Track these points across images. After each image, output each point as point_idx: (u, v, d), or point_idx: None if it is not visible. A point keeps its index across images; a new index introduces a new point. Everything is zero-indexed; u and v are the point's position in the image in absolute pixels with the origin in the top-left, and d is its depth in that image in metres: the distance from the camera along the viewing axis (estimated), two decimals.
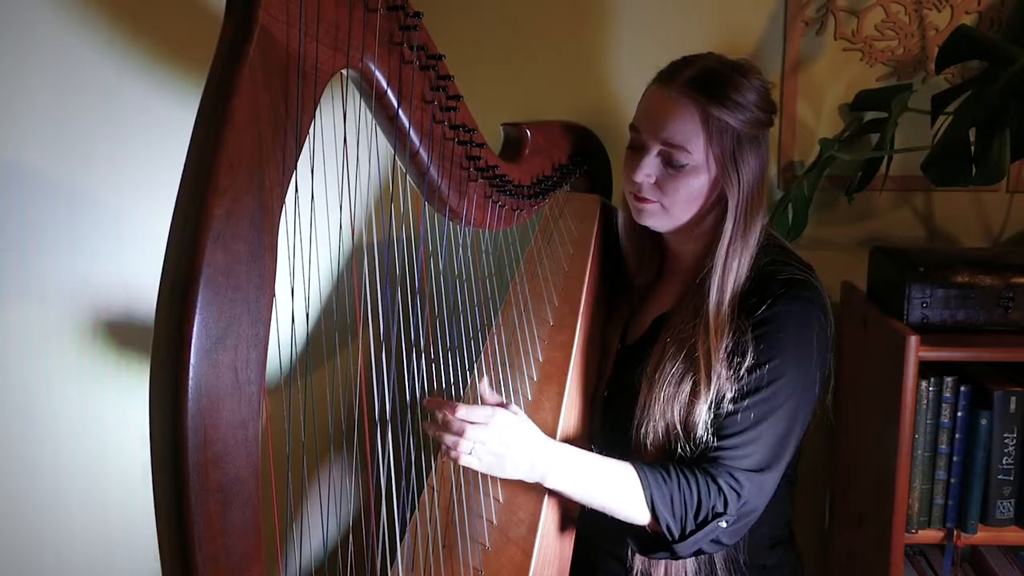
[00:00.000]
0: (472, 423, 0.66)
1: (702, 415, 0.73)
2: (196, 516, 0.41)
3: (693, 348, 0.75)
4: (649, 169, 0.78)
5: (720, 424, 0.73)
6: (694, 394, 0.74)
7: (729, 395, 0.73)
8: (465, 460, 0.67)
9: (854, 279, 1.24)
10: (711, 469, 0.72)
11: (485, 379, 0.71)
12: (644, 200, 0.80)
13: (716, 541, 0.72)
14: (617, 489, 0.71)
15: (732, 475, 0.71)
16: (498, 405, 0.70)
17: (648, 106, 0.80)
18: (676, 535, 0.71)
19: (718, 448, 0.72)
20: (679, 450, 0.75)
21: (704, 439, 0.73)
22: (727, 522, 0.71)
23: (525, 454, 0.69)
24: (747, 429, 0.72)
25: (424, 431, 0.68)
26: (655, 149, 0.78)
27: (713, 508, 0.71)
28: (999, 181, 1.01)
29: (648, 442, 0.77)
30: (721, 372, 0.73)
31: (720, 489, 0.71)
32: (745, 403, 0.72)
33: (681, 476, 0.72)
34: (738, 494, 0.71)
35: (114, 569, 0.81)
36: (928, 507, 1.05)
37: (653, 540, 0.74)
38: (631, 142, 0.82)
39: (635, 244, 0.92)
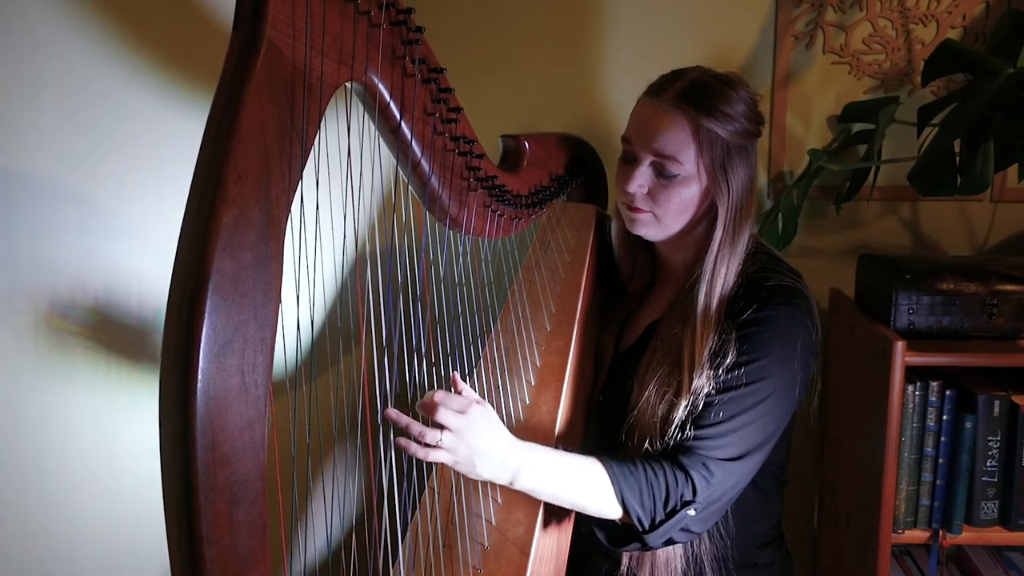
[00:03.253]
0: (449, 409, 0.63)
1: (679, 411, 0.74)
2: (204, 515, 0.41)
3: (679, 350, 0.77)
4: (641, 180, 0.80)
5: (698, 415, 0.73)
6: (676, 393, 0.75)
7: (708, 389, 0.73)
8: (434, 454, 0.62)
9: (842, 286, 1.26)
10: (682, 458, 0.72)
11: (457, 374, 0.68)
12: (637, 210, 0.82)
13: (686, 530, 0.72)
14: (587, 486, 0.70)
15: (705, 464, 0.71)
16: (474, 401, 0.66)
17: (640, 118, 0.81)
18: (646, 525, 0.71)
19: (694, 438, 0.73)
20: (652, 445, 0.75)
21: (676, 434, 0.73)
22: (695, 510, 0.71)
23: (497, 451, 0.66)
24: (724, 421, 0.72)
25: (396, 442, 0.61)
26: (647, 160, 0.80)
27: (682, 496, 0.71)
28: (983, 191, 1.04)
29: (636, 443, 0.78)
30: (704, 371, 0.74)
31: (688, 477, 0.71)
32: (725, 396, 0.73)
33: (647, 467, 0.72)
34: (708, 482, 0.71)
35: (124, 567, 0.82)
36: (914, 508, 1.07)
37: (623, 532, 0.73)
38: (623, 154, 0.83)
39: (628, 253, 0.93)
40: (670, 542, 0.73)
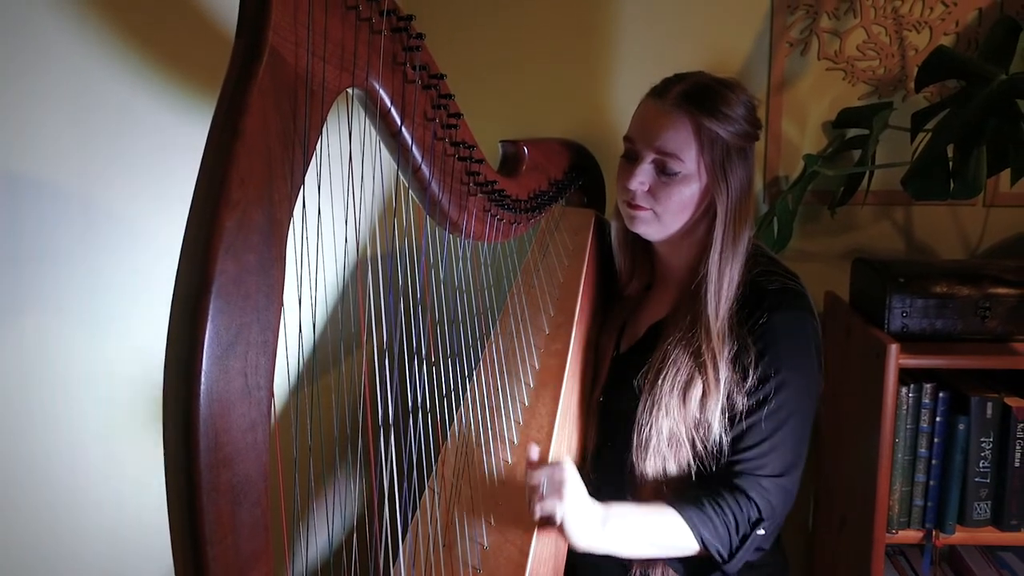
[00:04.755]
0: (550, 494, 0.70)
1: (716, 415, 0.76)
2: (207, 515, 0.42)
3: (697, 353, 0.78)
4: (643, 177, 0.81)
5: (737, 439, 0.76)
6: (704, 396, 0.77)
7: (739, 405, 0.76)
8: (550, 508, 0.69)
9: (837, 289, 1.27)
10: (738, 482, 0.75)
11: (535, 446, 0.74)
12: (637, 208, 0.83)
13: (758, 548, 0.76)
14: (667, 530, 0.74)
15: (759, 483, 0.75)
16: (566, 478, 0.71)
17: (643, 118, 0.83)
18: (725, 556, 0.74)
19: (739, 461, 0.76)
20: (697, 452, 0.77)
21: (720, 439, 0.76)
22: (764, 528, 0.74)
23: (587, 506, 0.71)
24: (764, 440, 0.75)
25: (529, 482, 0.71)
26: (649, 158, 0.81)
27: (749, 519, 0.74)
28: (976, 196, 1.05)
29: (650, 445, 0.79)
30: (727, 375, 0.76)
31: (749, 498, 0.74)
32: (759, 415, 0.75)
33: (713, 503, 0.75)
34: (768, 500, 0.74)
35: (128, 565, 0.82)
36: (908, 508, 1.08)
37: (703, 564, 0.76)
38: (625, 152, 0.85)
39: (627, 254, 0.94)
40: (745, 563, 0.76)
